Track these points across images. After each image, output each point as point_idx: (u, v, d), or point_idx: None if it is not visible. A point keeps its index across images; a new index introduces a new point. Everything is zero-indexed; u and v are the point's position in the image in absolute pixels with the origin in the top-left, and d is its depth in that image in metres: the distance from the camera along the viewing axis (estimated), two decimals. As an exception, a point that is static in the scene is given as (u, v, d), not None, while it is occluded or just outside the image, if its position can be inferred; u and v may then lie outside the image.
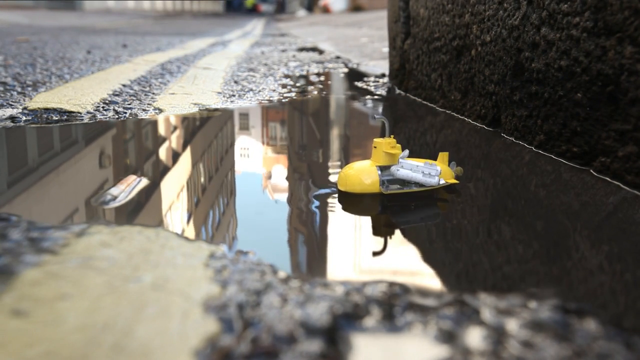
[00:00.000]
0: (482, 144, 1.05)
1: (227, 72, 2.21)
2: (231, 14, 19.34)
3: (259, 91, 1.76)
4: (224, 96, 1.63)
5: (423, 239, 0.63)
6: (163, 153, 1.08)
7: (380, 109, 1.58)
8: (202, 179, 0.91)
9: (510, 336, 0.41)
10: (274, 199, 0.80)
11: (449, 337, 0.41)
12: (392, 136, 0.78)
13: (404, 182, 0.77)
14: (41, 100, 1.41)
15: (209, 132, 1.26)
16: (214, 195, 0.83)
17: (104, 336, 0.40)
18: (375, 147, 0.77)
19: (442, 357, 0.39)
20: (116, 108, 1.38)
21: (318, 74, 2.28)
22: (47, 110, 1.30)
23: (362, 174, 0.76)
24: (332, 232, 0.67)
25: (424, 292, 0.48)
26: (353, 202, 0.76)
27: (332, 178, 0.88)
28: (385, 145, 0.77)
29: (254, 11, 21.63)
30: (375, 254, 0.59)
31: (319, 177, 0.91)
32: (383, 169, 0.77)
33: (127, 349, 0.38)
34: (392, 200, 0.75)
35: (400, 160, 0.77)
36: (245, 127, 1.35)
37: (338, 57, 3.03)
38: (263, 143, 1.21)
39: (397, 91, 1.77)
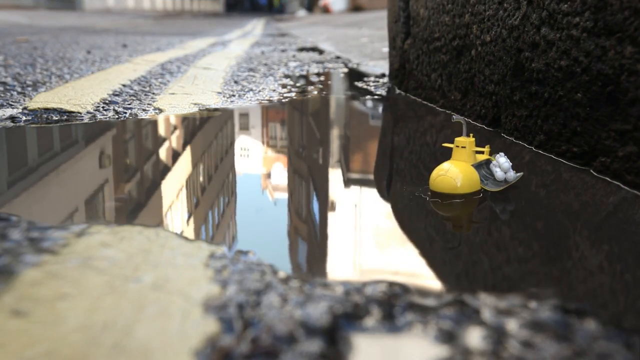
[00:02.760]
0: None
1: (227, 72, 2.21)
2: (232, 14, 19.33)
3: (259, 91, 1.76)
4: (224, 96, 1.63)
5: (423, 239, 0.63)
6: (163, 153, 1.08)
7: (380, 109, 1.58)
8: (202, 179, 0.91)
9: (510, 336, 0.41)
10: (273, 199, 0.80)
11: (449, 337, 0.41)
12: (471, 135, 0.77)
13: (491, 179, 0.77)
14: (41, 100, 1.41)
15: (209, 132, 1.26)
16: (214, 195, 0.83)
17: (104, 336, 0.40)
18: (464, 146, 0.75)
19: (442, 357, 0.39)
20: (116, 108, 1.38)
21: (318, 74, 2.28)
22: (47, 110, 1.30)
23: (467, 174, 0.74)
24: (332, 232, 0.67)
25: (424, 292, 0.48)
26: (353, 201, 0.76)
27: (332, 178, 0.88)
28: (473, 144, 0.76)
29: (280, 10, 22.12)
30: (376, 252, 0.59)
31: (319, 177, 0.91)
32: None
33: (127, 349, 0.38)
34: (394, 199, 0.75)
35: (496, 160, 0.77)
36: (245, 127, 1.35)
37: (338, 57, 3.03)
38: (263, 143, 1.21)
39: (397, 91, 1.77)
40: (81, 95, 1.50)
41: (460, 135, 0.77)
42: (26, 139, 1.11)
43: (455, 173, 0.73)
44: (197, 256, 0.54)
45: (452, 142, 0.77)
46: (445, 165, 0.75)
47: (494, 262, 0.57)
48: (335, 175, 0.90)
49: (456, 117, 0.78)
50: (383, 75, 2.14)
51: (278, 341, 0.39)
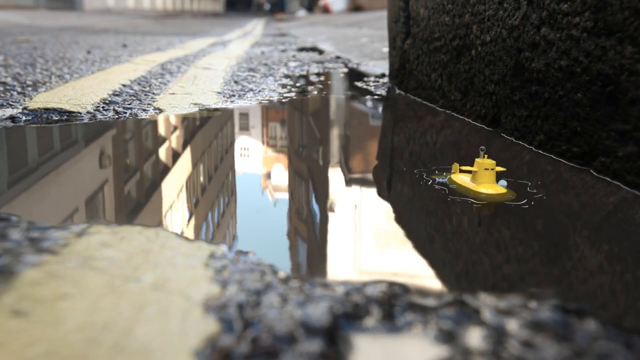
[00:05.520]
0: (482, 144, 1.05)
1: (227, 72, 2.21)
2: (231, 14, 19.32)
3: (259, 91, 1.76)
4: (224, 96, 1.63)
5: (423, 239, 0.63)
6: (163, 153, 1.08)
7: (380, 109, 1.58)
8: (202, 179, 0.91)
9: (510, 336, 0.41)
10: (273, 199, 0.80)
11: (449, 337, 0.41)
12: (485, 156, 0.81)
13: None
14: (41, 100, 1.41)
15: (209, 132, 1.26)
16: (214, 195, 0.83)
17: (104, 336, 0.40)
18: (492, 168, 0.79)
19: (442, 357, 0.39)
20: (116, 108, 1.38)
21: (318, 74, 2.28)
22: (47, 110, 1.30)
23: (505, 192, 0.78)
24: (332, 232, 0.67)
25: (424, 292, 0.48)
26: (353, 201, 0.76)
27: (332, 178, 0.88)
28: (494, 165, 0.79)
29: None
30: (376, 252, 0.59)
31: (319, 177, 0.91)
32: None
33: (127, 349, 0.38)
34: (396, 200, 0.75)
35: None
36: (245, 127, 1.35)
37: (338, 57, 3.03)
38: (263, 143, 1.21)
39: (397, 91, 1.77)
40: (81, 95, 1.50)
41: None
42: (26, 139, 1.11)
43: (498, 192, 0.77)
44: (197, 256, 0.54)
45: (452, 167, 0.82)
46: (489, 188, 0.78)
47: (494, 262, 0.57)
48: (335, 175, 0.90)
49: (483, 149, 0.81)
50: (383, 75, 2.14)
51: (278, 341, 0.39)
